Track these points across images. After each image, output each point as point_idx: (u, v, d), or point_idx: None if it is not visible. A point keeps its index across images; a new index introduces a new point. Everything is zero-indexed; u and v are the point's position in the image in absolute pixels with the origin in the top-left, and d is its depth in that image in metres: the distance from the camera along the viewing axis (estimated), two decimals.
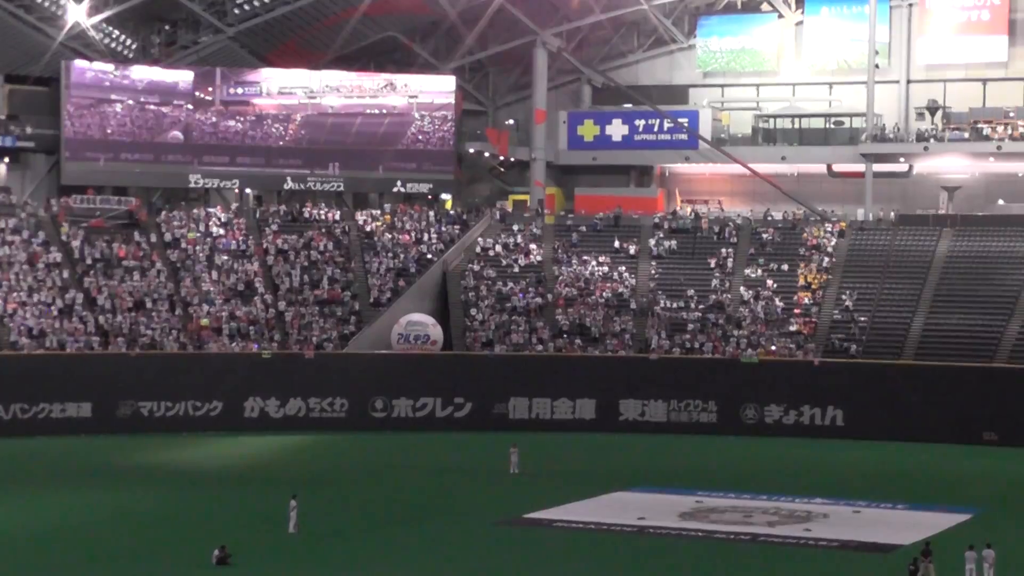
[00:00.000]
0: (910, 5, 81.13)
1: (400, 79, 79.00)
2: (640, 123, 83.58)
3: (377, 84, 78.66)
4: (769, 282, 70.79)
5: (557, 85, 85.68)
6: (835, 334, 67.34)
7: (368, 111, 78.39)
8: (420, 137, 78.81)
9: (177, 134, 75.47)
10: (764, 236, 73.82)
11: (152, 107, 74.82)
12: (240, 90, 76.46)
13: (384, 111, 78.53)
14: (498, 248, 74.19)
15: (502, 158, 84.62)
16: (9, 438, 58.70)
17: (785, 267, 71.66)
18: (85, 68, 73.36)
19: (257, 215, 74.45)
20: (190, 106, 75.35)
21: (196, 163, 75.61)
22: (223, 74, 76.09)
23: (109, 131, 74.05)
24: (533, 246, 74.46)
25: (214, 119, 75.97)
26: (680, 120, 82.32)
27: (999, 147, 75.84)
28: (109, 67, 73.89)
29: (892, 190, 79.52)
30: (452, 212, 78.26)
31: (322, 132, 77.59)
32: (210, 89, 75.91)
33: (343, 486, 50.29)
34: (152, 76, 75.02)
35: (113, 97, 73.99)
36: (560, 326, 68.91)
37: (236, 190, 77.97)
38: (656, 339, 67.54)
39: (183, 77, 75.44)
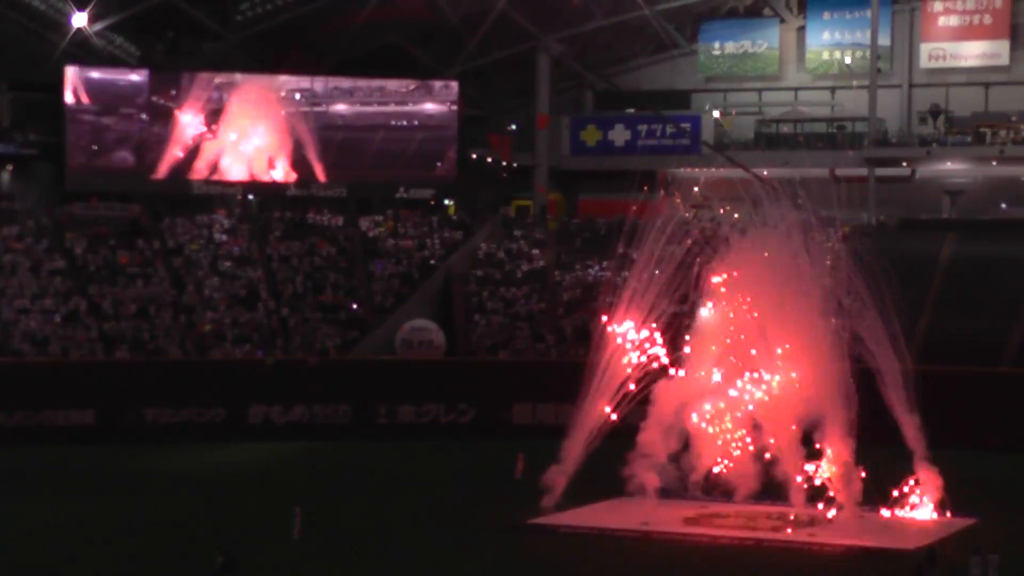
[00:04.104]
0: (912, 9, 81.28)
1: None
2: (643, 128, 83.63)
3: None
4: None
5: (559, 90, 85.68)
6: None
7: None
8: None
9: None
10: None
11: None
12: (225, 95, 74.90)
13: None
14: (501, 254, 74.16)
15: (504, 163, 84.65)
16: (12, 446, 58.64)
17: None
18: (77, 74, 72.82)
19: (260, 222, 74.47)
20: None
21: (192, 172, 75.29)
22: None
23: (101, 138, 73.81)
24: (536, 251, 74.42)
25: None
26: (682, 125, 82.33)
27: (1002, 151, 75.92)
28: (98, 73, 73.28)
29: (895, 195, 79.49)
30: (455, 218, 78.25)
31: (331, 148, 76.76)
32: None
33: (347, 492, 50.27)
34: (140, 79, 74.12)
35: (105, 104, 73.35)
36: (563, 331, 68.86)
37: (239, 196, 77.91)
38: None
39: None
